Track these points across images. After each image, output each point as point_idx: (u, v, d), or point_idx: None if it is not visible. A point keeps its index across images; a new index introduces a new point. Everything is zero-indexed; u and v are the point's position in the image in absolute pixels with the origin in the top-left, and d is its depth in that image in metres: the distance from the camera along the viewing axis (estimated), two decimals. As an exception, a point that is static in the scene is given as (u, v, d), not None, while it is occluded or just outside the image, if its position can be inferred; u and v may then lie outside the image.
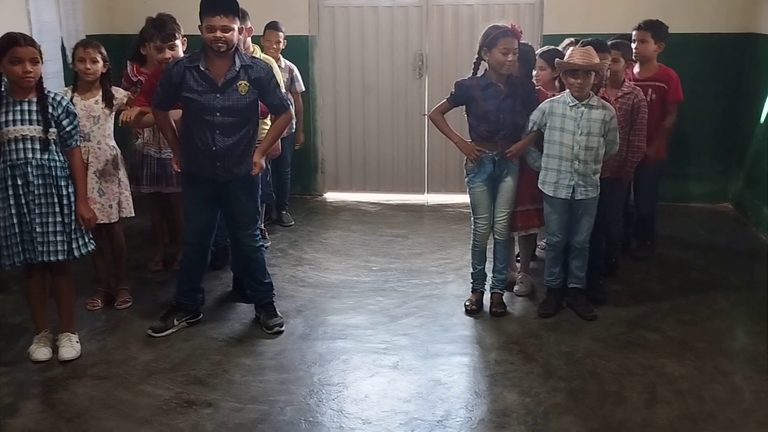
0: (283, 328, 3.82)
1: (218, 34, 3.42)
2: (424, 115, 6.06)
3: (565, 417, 3.02)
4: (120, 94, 3.95)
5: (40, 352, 3.50)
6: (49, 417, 3.07)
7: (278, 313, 3.91)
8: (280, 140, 4.62)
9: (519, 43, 3.75)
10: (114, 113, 3.92)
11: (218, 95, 3.50)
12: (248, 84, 3.53)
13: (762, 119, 5.32)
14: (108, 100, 3.86)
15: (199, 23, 3.48)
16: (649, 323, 3.87)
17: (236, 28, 3.49)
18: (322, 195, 6.48)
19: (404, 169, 6.38)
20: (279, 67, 4.80)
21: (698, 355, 3.53)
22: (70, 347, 3.54)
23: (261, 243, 3.91)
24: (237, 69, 3.51)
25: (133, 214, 4.07)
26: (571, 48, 3.87)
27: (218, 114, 3.51)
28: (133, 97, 4.01)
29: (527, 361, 3.50)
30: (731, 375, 3.34)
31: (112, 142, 3.96)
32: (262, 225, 5.10)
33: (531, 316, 3.98)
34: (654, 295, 4.25)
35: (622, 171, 4.16)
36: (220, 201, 3.74)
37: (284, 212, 5.66)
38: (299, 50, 6.02)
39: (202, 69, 3.49)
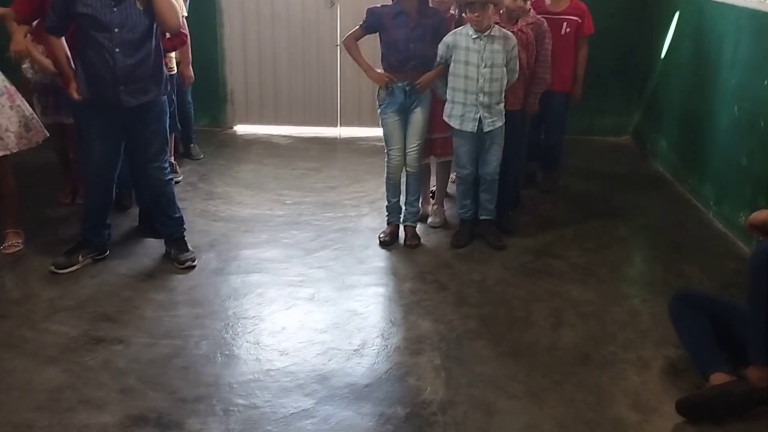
0: (195, 263, 3.74)
1: None
2: (337, 45, 5.93)
3: (477, 341, 3.13)
4: None
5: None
6: (-55, 359, 2.92)
7: (190, 247, 3.82)
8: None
9: None
10: None
11: (115, 8, 3.29)
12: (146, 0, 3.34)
13: (662, 54, 5.50)
14: None
15: None
16: (555, 251, 4.02)
17: None
18: (232, 128, 6.29)
19: (316, 101, 6.24)
20: None
21: (600, 280, 3.71)
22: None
23: (171, 176, 3.78)
24: None
25: (47, 134, 3.90)
26: None
27: (116, 30, 3.30)
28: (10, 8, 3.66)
29: (441, 290, 3.58)
30: (630, 298, 3.54)
31: None
32: (172, 158, 4.91)
33: (444, 246, 4.06)
34: (559, 224, 4.40)
35: (526, 103, 4.18)
36: (125, 132, 3.56)
37: (192, 145, 5.47)
38: (205, -26, 5.73)
39: None
